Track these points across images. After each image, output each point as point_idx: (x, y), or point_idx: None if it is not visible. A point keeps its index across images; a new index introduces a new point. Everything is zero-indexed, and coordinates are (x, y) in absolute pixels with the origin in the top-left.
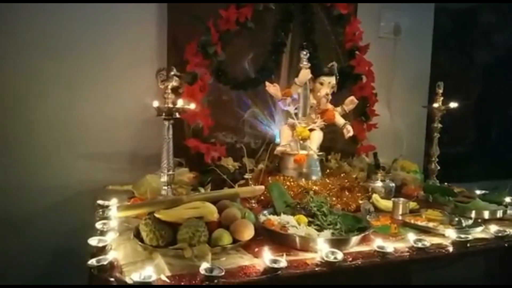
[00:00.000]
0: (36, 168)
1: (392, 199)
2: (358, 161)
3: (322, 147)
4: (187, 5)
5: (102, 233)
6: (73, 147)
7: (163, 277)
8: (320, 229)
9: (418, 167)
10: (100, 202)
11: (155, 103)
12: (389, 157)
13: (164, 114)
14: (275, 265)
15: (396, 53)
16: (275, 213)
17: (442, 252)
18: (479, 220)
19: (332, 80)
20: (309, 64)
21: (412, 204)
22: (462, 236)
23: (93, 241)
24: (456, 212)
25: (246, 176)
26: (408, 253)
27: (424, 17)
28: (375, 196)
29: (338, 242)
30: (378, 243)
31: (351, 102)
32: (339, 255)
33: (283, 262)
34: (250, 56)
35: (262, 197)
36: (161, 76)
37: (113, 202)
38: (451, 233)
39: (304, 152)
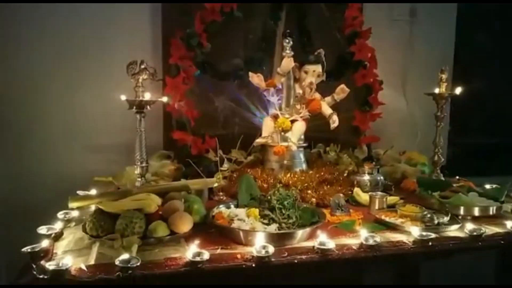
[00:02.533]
0: (38, 159)
1: (369, 193)
2: (360, 152)
3: (321, 139)
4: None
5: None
6: (74, 140)
7: (83, 266)
8: (273, 222)
9: (428, 159)
10: (79, 192)
11: (123, 97)
12: (404, 147)
13: (135, 107)
14: (198, 258)
15: (413, 36)
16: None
17: (394, 250)
18: (469, 217)
19: (318, 68)
20: (292, 53)
21: (394, 199)
22: (424, 234)
23: (42, 229)
24: (441, 208)
25: (222, 168)
26: (352, 251)
27: None
28: (356, 190)
29: (281, 237)
30: (324, 239)
31: (341, 91)
32: (270, 249)
33: (206, 255)
34: (239, 46)
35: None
36: (132, 69)
37: (92, 192)
38: (415, 231)
39: (285, 143)
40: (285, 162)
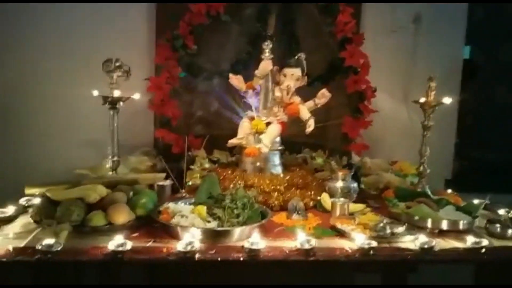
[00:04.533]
0: (34, 151)
1: (332, 199)
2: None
3: (310, 144)
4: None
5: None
6: (69, 135)
7: (10, 247)
8: (218, 221)
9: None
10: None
11: (95, 92)
12: (406, 157)
13: (108, 103)
14: (120, 248)
15: (417, 43)
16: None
17: (330, 256)
18: (436, 231)
19: (297, 72)
20: (271, 55)
21: (359, 207)
22: (367, 242)
23: None
24: (407, 220)
25: (191, 167)
26: (283, 253)
27: (453, 3)
28: (323, 196)
29: (216, 234)
30: (257, 240)
31: (322, 95)
32: (196, 245)
33: (128, 246)
34: (226, 48)
35: None
36: (107, 66)
37: None
38: (359, 238)
39: (260, 145)
40: (258, 164)
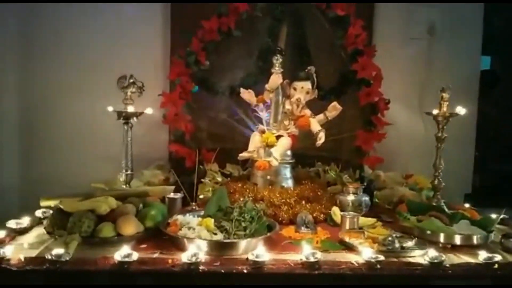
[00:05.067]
0: (50, 163)
1: (341, 213)
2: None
3: (324, 158)
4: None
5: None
6: (87, 149)
7: (21, 257)
8: (225, 233)
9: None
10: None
11: (110, 108)
12: (422, 170)
13: (122, 118)
14: (126, 259)
15: (432, 54)
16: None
17: (335, 270)
18: (449, 246)
19: (307, 85)
20: (281, 70)
21: (370, 221)
22: (374, 256)
23: (11, 224)
24: (420, 235)
25: (202, 180)
26: (288, 266)
27: (469, 13)
28: (333, 209)
29: (221, 246)
30: (262, 252)
31: (333, 108)
32: (201, 257)
33: (134, 256)
34: (239, 63)
35: None
36: (121, 83)
37: None
38: (366, 252)
39: (269, 159)
40: (268, 177)
